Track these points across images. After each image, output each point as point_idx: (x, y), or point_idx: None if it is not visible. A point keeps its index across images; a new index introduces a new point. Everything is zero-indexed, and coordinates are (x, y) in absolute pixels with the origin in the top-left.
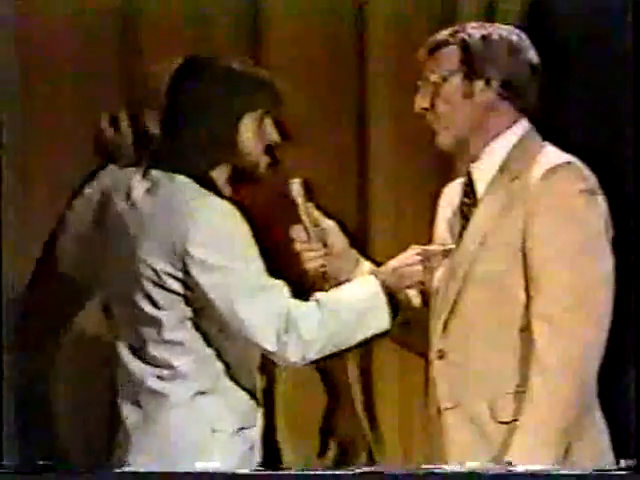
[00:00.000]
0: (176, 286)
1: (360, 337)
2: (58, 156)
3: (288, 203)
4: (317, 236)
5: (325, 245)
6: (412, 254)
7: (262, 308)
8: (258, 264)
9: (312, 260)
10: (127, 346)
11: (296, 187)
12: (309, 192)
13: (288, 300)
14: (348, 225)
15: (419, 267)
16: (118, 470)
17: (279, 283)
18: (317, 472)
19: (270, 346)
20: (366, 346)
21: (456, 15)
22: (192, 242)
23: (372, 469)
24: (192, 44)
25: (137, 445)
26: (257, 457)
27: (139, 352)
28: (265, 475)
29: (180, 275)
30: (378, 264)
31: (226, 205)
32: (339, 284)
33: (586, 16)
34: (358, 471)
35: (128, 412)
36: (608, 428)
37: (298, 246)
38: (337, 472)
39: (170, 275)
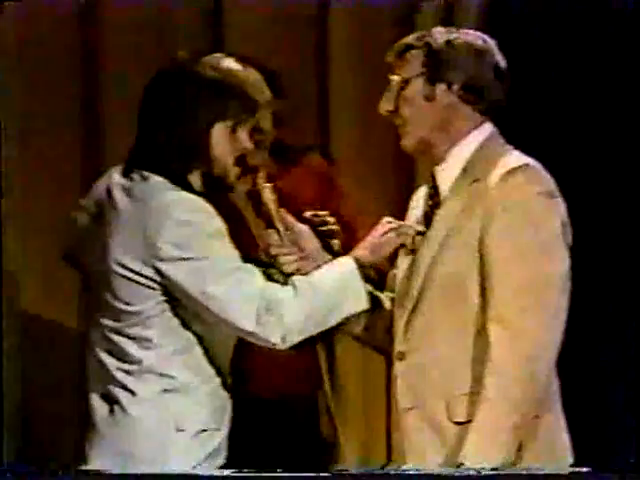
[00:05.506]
0: (144, 282)
1: (339, 316)
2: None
3: None
4: (291, 240)
5: (299, 249)
6: (384, 224)
7: (238, 288)
8: (230, 253)
9: (289, 264)
10: (97, 339)
11: (267, 193)
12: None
13: (264, 282)
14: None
15: (392, 235)
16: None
17: (253, 267)
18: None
19: (249, 325)
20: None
21: (417, 18)
22: (162, 238)
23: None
24: (155, 41)
25: (103, 439)
26: (221, 460)
27: (108, 346)
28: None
29: (149, 272)
30: None
31: (198, 201)
32: None
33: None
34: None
35: (96, 405)
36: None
37: (273, 250)
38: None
39: (138, 272)
